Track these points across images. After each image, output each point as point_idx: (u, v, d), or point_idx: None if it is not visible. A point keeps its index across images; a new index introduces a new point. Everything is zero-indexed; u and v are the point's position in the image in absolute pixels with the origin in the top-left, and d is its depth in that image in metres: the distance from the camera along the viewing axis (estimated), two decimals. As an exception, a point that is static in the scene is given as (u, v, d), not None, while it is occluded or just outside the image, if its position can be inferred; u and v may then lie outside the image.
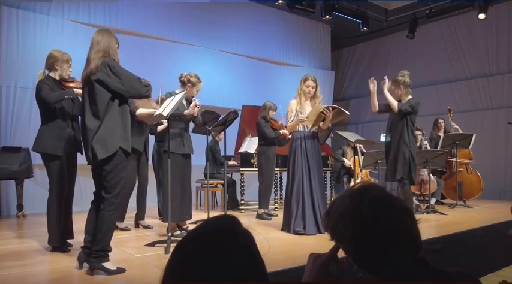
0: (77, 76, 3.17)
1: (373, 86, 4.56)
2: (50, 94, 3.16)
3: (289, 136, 4.84)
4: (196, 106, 3.82)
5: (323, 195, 4.28)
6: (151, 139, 4.80)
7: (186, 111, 3.83)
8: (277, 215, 5.38)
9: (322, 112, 4.08)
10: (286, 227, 4.17)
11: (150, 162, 4.90)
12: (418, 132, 6.14)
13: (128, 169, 2.66)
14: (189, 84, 3.99)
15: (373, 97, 4.62)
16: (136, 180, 4.49)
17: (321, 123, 4.24)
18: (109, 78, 2.56)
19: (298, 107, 4.24)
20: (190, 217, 4.01)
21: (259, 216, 5.24)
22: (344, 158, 6.93)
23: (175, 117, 3.74)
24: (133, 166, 4.32)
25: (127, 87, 2.59)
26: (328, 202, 7.22)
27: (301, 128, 4.25)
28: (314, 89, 4.27)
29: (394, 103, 4.55)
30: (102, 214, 2.59)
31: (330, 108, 4.13)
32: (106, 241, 2.62)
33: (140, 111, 3.98)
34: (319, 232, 3.99)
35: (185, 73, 4.03)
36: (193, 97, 4.00)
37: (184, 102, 3.93)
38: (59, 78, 3.34)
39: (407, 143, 4.51)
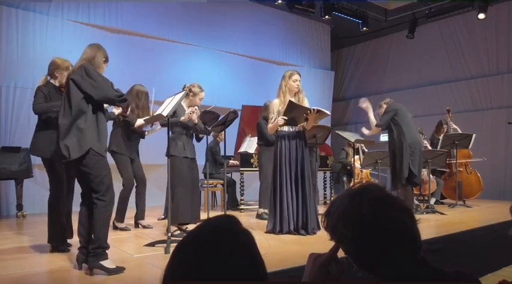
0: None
1: (366, 104, 4.90)
2: (38, 105, 3.27)
3: None
4: (192, 112, 3.84)
5: (313, 193, 4.17)
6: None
7: (182, 118, 3.85)
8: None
9: (305, 113, 4.00)
10: (271, 228, 4.03)
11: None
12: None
13: (107, 168, 2.74)
14: (191, 94, 4.07)
15: (370, 116, 4.95)
16: (134, 182, 4.53)
17: (304, 123, 4.09)
18: (82, 79, 2.63)
19: (281, 108, 4.07)
20: (199, 220, 3.96)
21: (259, 216, 5.23)
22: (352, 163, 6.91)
23: (173, 124, 3.76)
24: (130, 169, 4.42)
25: (97, 89, 2.63)
26: (328, 202, 7.24)
27: (285, 128, 4.11)
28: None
29: (374, 127, 4.95)
30: (95, 212, 2.62)
31: (315, 110, 3.99)
32: (102, 238, 2.64)
33: (138, 122, 4.19)
34: (307, 233, 3.93)
35: (188, 84, 4.10)
36: (196, 106, 4.03)
37: (186, 109, 3.97)
38: (58, 84, 3.42)
39: (399, 141, 4.70)
